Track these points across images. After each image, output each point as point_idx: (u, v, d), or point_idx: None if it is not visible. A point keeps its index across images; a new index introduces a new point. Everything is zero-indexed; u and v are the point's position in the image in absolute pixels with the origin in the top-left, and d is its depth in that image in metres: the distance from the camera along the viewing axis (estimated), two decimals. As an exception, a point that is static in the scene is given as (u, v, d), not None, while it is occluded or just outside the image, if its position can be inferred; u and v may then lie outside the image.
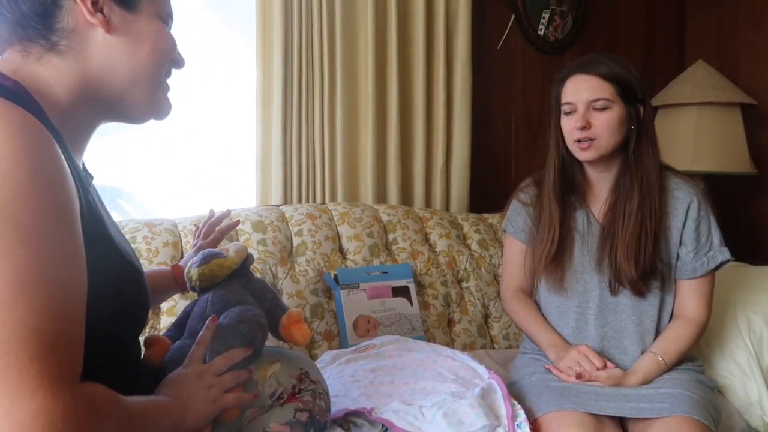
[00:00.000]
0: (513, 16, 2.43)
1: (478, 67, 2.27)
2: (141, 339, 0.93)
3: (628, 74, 1.33)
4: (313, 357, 1.59)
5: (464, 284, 1.90)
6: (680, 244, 1.37)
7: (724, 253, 1.36)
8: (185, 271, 1.08)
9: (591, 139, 1.32)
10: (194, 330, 0.99)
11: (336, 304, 1.68)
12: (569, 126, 1.35)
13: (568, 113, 1.36)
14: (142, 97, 0.80)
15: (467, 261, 1.92)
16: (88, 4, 0.74)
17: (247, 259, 1.10)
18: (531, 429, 1.15)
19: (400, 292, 1.75)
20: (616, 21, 2.74)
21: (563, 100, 1.37)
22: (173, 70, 0.87)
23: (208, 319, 0.96)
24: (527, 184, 1.51)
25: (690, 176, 1.48)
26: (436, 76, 2.13)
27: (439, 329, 1.79)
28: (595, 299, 1.39)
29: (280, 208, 1.82)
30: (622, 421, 1.29)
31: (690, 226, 1.36)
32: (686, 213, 1.36)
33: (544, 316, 1.48)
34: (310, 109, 1.95)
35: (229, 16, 1.98)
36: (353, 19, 2.00)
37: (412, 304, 1.75)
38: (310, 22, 1.92)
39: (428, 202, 2.18)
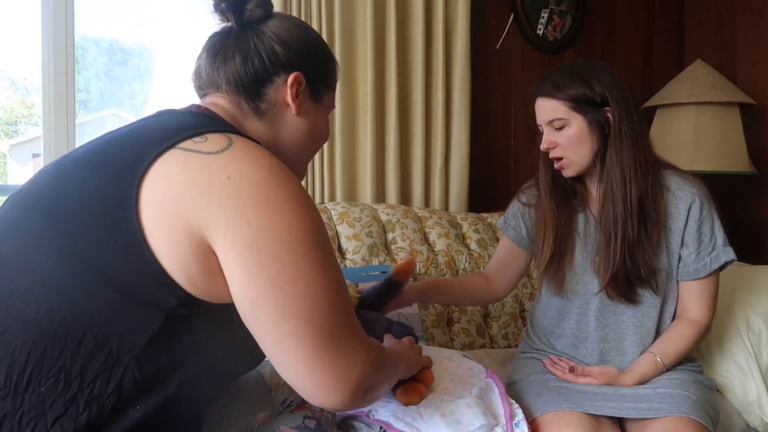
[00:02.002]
0: (512, 15, 2.43)
1: (477, 67, 2.27)
2: None
3: (580, 84, 1.30)
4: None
5: (463, 284, 1.90)
6: (682, 245, 1.34)
7: (729, 253, 1.34)
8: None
9: (560, 158, 1.34)
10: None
11: (335, 303, 1.68)
12: (541, 146, 1.37)
13: (541, 133, 1.38)
14: (300, 167, 1.00)
15: (466, 260, 1.92)
16: (294, 89, 0.90)
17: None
18: (529, 429, 1.14)
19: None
20: (615, 20, 2.74)
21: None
22: None
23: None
24: (529, 186, 1.51)
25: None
26: (435, 75, 2.14)
27: (438, 329, 1.79)
28: (596, 301, 1.38)
29: (279, 207, 1.82)
30: (620, 422, 1.29)
31: (692, 227, 1.33)
32: (687, 213, 1.33)
33: (457, 281, 1.61)
34: (309, 109, 1.95)
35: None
36: (352, 19, 2.00)
37: (411, 304, 1.74)
38: (308, 21, 1.92)
39: (427, 202, 2.18)
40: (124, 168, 0.74)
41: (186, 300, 0.72)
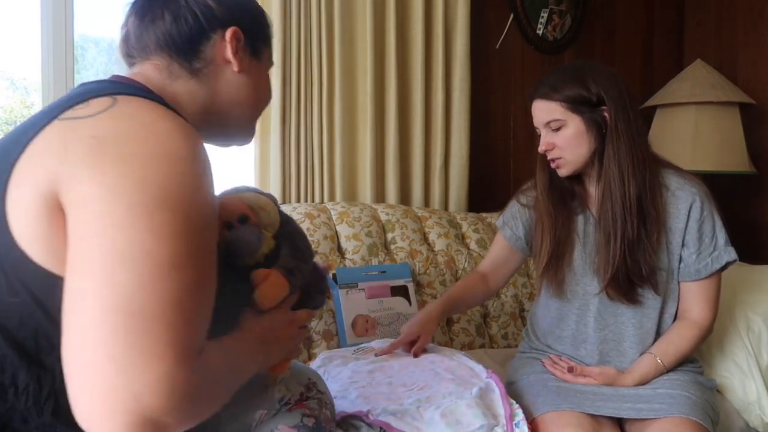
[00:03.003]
0: (512, 15, 2.43)
1: (476, 67, 2.27)
2: None
3: (577, 86, 1.31)
4: (312, 357, 1.59)
5: (463, 284, 1.90)
6: (683, 245, 1.33)
7: (730, 254, 1.33)
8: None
9: (558, 158, 1.34)
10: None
11: (334, 303, 1.68)
12: (540, 148, 1.38)
13: (539, 135, 1.38)
14: (242, 129, 0.94)
15: (466, 260, 1.92)
16: (233, 45, 0.86)
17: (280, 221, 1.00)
18: (529, 429, 1.14)
19: (399, 291, 1.75)
20: (615, 20, 2.74)
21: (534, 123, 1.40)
22: None
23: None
24: (529, 187, 1.51)
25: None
26: (435, 75, 2.13)
27: (438, 328, 1.78)
28: (595, 302, 1.38)
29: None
30: (619, 422, 1.29)
31: (692, 227, 1.32)
32: (688, 213, 1.32)
33: (463, 290, 1.55)
34: (309, 108, 1.95)
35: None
36: (352, 19, 2.00)
37: (410, 304, 1.75)
38: (308, 21, 1.92)
39: (427, 202, 2.18)
40: (3, 155, 0.70)
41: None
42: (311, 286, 1.00)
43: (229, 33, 0.86)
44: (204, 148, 0.72)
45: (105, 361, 0.59)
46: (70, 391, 0.60)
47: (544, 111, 1.34)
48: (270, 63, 0.97)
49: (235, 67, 0.87)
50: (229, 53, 0.86)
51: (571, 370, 1.33)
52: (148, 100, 0.74)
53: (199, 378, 0.64)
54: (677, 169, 1.39)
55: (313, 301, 1.00)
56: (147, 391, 0.59)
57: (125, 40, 0.87)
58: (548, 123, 1.33)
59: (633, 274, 1.31)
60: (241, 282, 0.91)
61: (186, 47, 0.84)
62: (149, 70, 0.85)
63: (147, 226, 0.63)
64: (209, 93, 0.87)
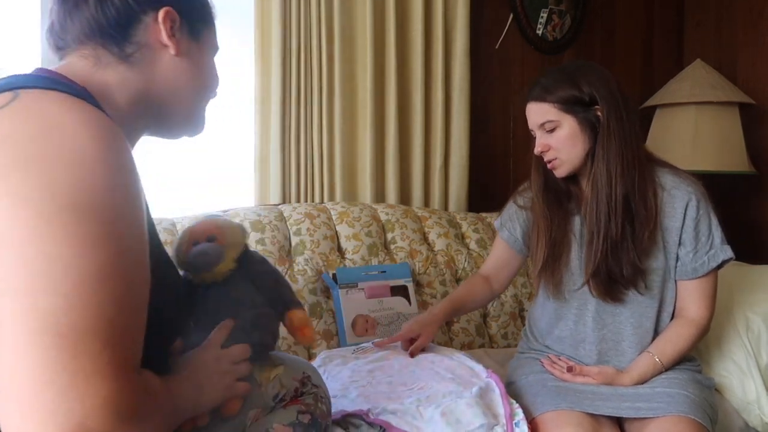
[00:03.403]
0: (511, 15, 2.43)
1: (476, 67, 2.28)
2: None
3: (568, 86, 1.32)
4: (312, 356, 1.59)
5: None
6: (679, 244, 1.34)
7: (726, 252, 1.33)
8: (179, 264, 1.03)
9: (554, 159, 1.35)
10: (205, 323, 0.96)
11: (334, 303, 1.68)
12: (535, 150, 1.38)
13: (535, 138, 1.39)
14: (187, 117, 0.88)
15: (465, 260, 1.92)
16: (168, 27, 0.80)
17: (245, 248, 1.04)
18: (529, 428, 1.14)
19: (399, 291, 1.75)
20: (615, 20, 2.75)
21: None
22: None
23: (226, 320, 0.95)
24: (525, 188, 1.51)
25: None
26: (435, 75, 2.14)
27: (438, 330, 1.78)
28: (593, 302, 1.38)
29: (279, 207, 1.82)
30: (619, 421, 1.29)
31: (689, 226, 1.33)
32: (684, 212, 1.33)
33: (466, 293, 1.55)
34: (309, 108, 1.95)
35: (228, 14, 1.98)
36: (352, 18, 2.00)
37: (410, 303, 1.75)
38: (308, 21, 1.92)
39: (427, 202, 2.18)
40: None
41: None
42: (256, 326, 0.97)
43: (161, 14, 0.79)
44: (122, 144, 0.65)
45: (42, 386, 0.54)
46: (2, 419, 0.55)
47: (538, 113, 1.35)
48: (214, 47, 0.90)
49: (172, 51, 0.81)
50: (164, 36, 0.80)
51: (570, 369, 1.34)
52: (57, 93, 0.67)
53: (142, 396, 0.60)
54: (673, 168, 1.39)
55: (249, 338, 0.94)
56: (91, 413, 0.54)
57: (50, 30, 0.81)
58: (542, 125, 1.34)
59: (614, 273, 1.32)
60: (198, 298, 0.96)
61: (114, 32, 0.77)
62: (75, 61, 0.78)
63: (62, 237, 0.57)
64: (144, 80, 0.80)
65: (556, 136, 1.33)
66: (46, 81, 0.70)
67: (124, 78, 0.78)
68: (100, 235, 0.58)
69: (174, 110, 0.85)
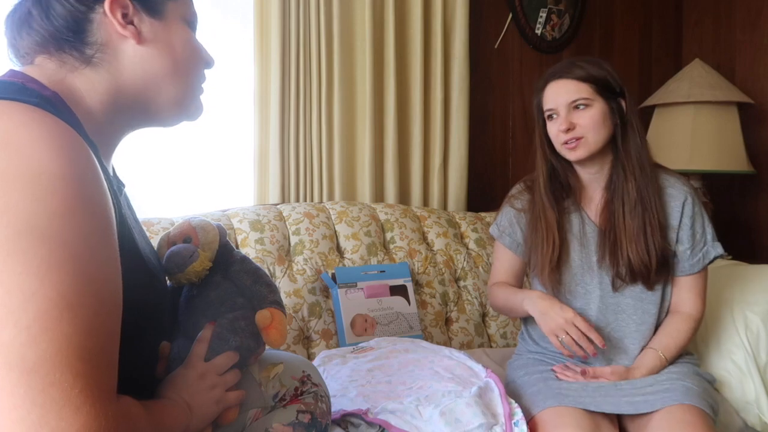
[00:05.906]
0: (510, 15, 2.43)
1: (475, 66, 2.28)
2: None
3: (603, 72, 1.35)
4: (312, 356, 1.59)
5: (462, 283, 1.90)
6: (677, 241, 1.38)
7: (717, 248, 1.39)
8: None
9: (578, 138, 1.34)
10: (187, 327, 0.97)
11: (333, 302, 1.68)
12: (554, 130, 1.37)
13: (551, 118, 1.38)
14: (177, 102, 0.81)
15: (465, 260, 1.92)
16: (119, 16, 0.75)
17: (221, 245, 1.02)
18: (528, 427, 1.15)
19: (398, 290, 1.75)
20: (613, 20, 2.75)
21: (545, 107, 1.39)
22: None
23: (207, 322, 0.94)
24: (519, 191, 1.51)
25: (687, 175, 1.49)
26: (434, 75, 2.14)
27: (437, 328, 1.79)
28: (596, 301, 1.39)
29: (278, 206, 1.82)
30: (618, 417, 1.30)
31: (686, 224, 1.37)
32: (682, 210, 1.37)
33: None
34: (308, 108, 1.95)
35: (227, 13, 1.98)
36: (351, 18, 2.00)
37: (409, 303, 1.75)
38: (307, 20, 1.92)
39: (426, 201, 2.18)
40: None
41: None
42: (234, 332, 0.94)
43: (107, 5, 0.74)
44: (84, 158, 0.61)
45: (13, 424, 0.51)
46: None
47: (571, 90, 1.34)
48: (186, 18, 0.82)
49: (132, 40, 0.76)
50: (118, 27, 0.75)
51: (584, 373, 1.33)
52: (16, 104, 0.61)
53: (122, 423, 0.58)
54: (665, 169, 1.44)
55: (228, 345, 0.92)
56: None
57: (9, 45, 0.78)
58: (574, 101, 1.34)
59: (649, 265, 1.34)
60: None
61: (69, 38, 0.73)
62: (45, 62, 0.74)
63: (20, 265, 0.53)
64: (112, 78, 0.75)
65: (586, 115, 1.33)
66: (8, 89, 0.65)
67: (91, 81, 0.75)
68: (62, 259, 0.55)
69: (155, 100, 0.79)
